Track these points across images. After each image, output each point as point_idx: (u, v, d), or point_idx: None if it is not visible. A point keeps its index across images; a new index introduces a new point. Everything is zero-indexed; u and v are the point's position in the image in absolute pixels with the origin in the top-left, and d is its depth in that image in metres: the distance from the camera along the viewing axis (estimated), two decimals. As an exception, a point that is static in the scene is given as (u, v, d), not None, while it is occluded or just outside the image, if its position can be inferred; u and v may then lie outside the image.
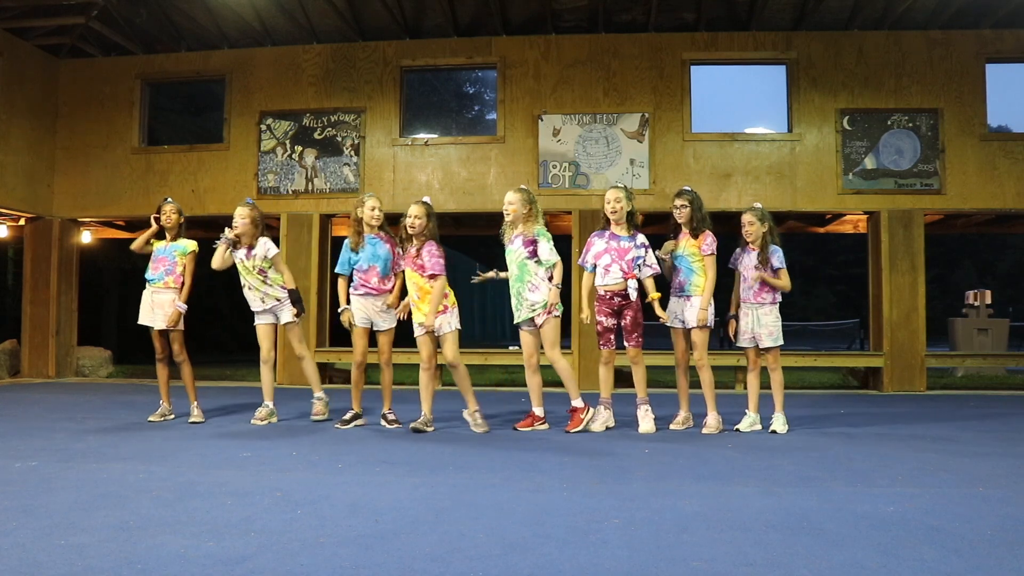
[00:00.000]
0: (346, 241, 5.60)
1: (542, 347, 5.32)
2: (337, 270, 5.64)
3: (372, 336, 5.63)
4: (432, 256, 5.16)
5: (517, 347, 10.63)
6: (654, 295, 5.34)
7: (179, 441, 4.85)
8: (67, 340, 10.49)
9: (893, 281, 9.16)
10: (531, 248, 5.22)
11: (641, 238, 5.38)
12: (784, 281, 5.36)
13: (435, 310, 5.16)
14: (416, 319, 5.28)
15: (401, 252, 5.44)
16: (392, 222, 9.94)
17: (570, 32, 9.67)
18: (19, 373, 10.31)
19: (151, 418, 5.80)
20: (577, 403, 5.32)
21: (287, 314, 5.65)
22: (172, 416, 5.90)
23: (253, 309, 5.68)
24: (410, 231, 5.22)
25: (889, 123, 9.27)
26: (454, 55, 9.88)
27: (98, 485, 3.44)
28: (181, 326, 5.74)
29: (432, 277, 5.15)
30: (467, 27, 9.70)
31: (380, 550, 2.46)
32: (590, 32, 9.64)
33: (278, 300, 5.61)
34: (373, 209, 5.52)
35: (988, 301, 13.56)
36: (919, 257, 9.17)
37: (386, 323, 5.56)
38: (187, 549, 2.46)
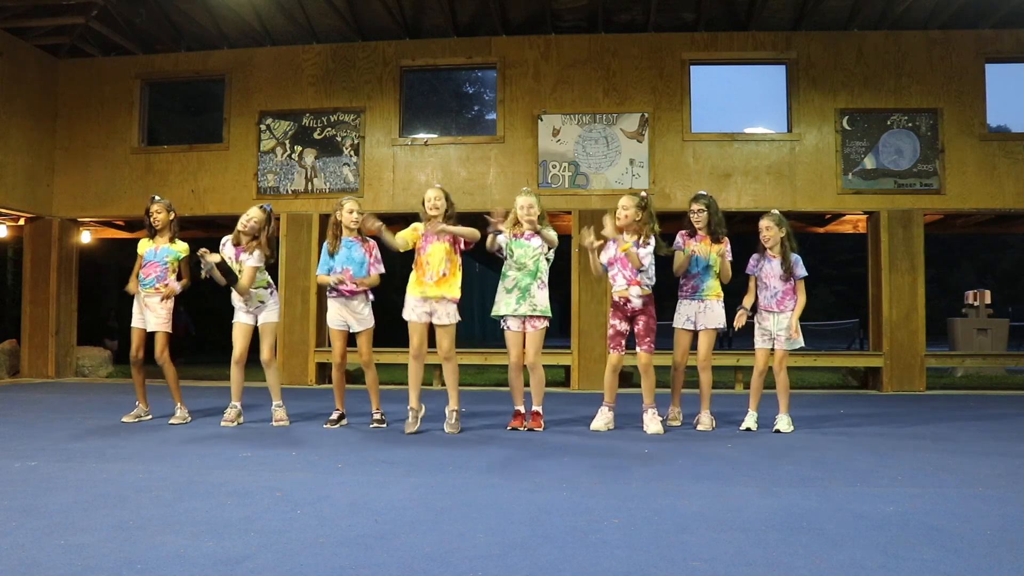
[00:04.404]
0: (324, 244, 5.62)
1: None
2: (317, 271, 5.68)
3: (351, 338, 5.62)
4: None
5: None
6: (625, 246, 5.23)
7: (179, 441, 4.85)
8: (67, 340, 10.48)
9: (893, 281, 9.16)
10: (542, 246, 5.35)
11: (651, 245, 5.28)
12: (801, 299, 5.39)
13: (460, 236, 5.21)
14: (423, 292, 5.19)
15: (377, 256, 5.57)
16: (391, 222, 9.94)
17: (570, 32, 9.67)
18: (19, 373, 10.31)
19: (125, 419, 5.76)
20: (539, 409, 5.40)
21: (269, 314, 5.60)
22: (148, 417, 5.87)
23: (236, 307, 5.63)
24: (432, 212, 5.24)
25: (889, 123, 9.27)
26: (454, 55, 9.87)
27: (98, 485, 3.44)
28: (168, 328, 5.72)
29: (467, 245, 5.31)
30: (467, 27, 9.69)
31: (380, 550, 2.46)
32: (590, 32, 9.64)
33: (261, 302, 5.60)
34: (352, 212, 5.52)
35: (987, 301, 13.57)
36: (919, 257, 9.18)
37: (362, 325, 5.55)
38: (187, 549, 2.46)
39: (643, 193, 5.45)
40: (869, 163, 9.27)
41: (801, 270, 5.38)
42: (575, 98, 9.57)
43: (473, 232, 5.24)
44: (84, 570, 2.25)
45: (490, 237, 5.34)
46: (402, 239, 5.32)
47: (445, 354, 5.23)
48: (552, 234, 5.33)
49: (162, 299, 5.68)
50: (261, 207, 5.65)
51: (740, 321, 5.44)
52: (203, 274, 5.43)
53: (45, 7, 9.25)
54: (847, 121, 9.31)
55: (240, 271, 5.49)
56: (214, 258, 5.36)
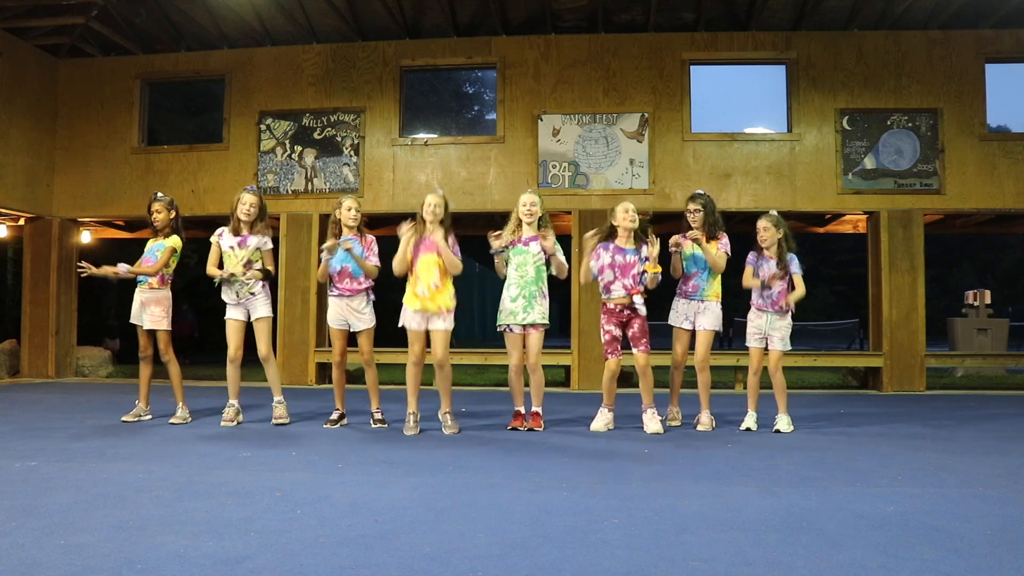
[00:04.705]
0: (324, 244, 5.62)
1: None
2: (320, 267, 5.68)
3: (352, 337, 5.62)
4: (457, 248, 5.27)
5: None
6: (654, 269, 5.24)
7: (179, 441, 4.85)
8: (67, 340, 10.48)
9: (893, 281, 9.16)
10: (547, 253, 5.33)
11: (644, 250, 5.31)
12: (800, 289, 5.39)
13: (452, 261, 5.15)
14: (417, 306, 5.16)
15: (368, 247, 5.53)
16: (391, 222, 9.86)
17: (570, 32, 9.67)
18: (19, 373, 10.31)
19: (125, 418, 5.73)
20: (539, 410, 5.42)
21: (260, 309, 5.57)
22: (148, 417, 5.84)
23: (226, 301, 5.59)
24: (430, 218, 5.19)
25: (889, 123, 9.28)
26: (454, 55, 9.87)
27: (98, 485, 3.44)
28: (167, 325, 5.71)
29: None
30: (467, 27, 9.70)
31: (380, 550, 2.46)
32: (590, 32, 9.64)
33: (253, 294, 5.54)
34: (349, 210, 5.51)
35: (987, 301, 13.57)
36: (919, 257, 9.18)
37: (363, 323, 5.55)
38: (187, 549, 2.46)
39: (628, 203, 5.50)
40: (869, 163, 9.27)
41: (795, 267, 5.38)
42: (575, 98, 9.57)
43: (455, 265, 5.16)
44: (84, 570, 2.25)
45: (497, 261, 5.35)
46: (401, 261, 5.24)
47: (439, 361, 5.20)
48: (563, 262, 5.32)
49: (86, 275, 5.57)
50: (250, 191, 5.63)
51: (772, 278, 5.37)
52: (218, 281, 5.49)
53: (45, 7, 9.25)
54: (847, 121, 9.31)
55: (258, 259, 5.52)
56: (238, 270, 5.41)
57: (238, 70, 10.09)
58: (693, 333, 5.57)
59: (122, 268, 5.57)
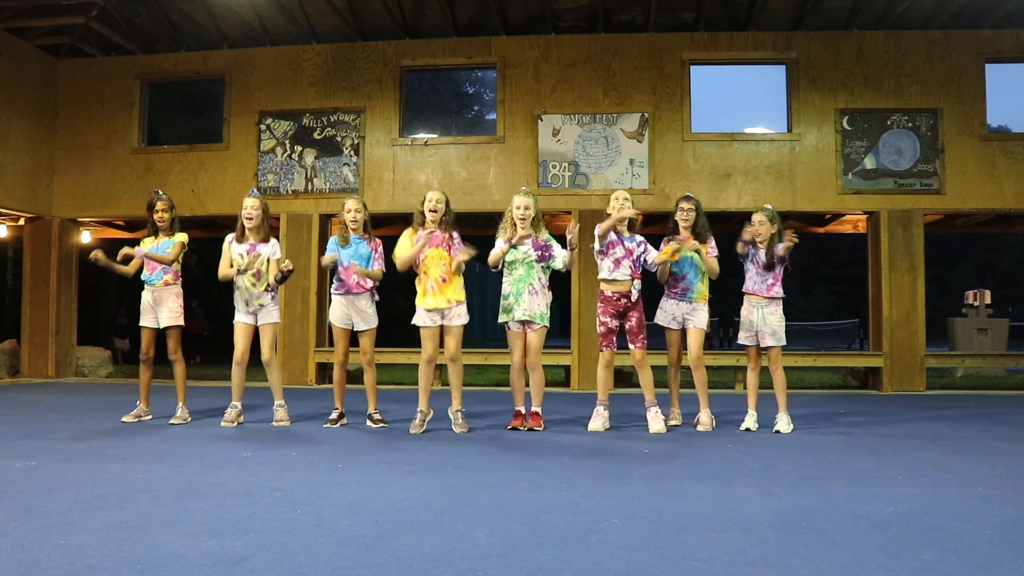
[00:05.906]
0: (334, 236, 5.64)
1: None
2: (326, 253, 5.65)
3: (354, 337, 5.62)
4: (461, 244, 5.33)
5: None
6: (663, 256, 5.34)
7: (179, 441, 4.85)
8: (67, 340, 10.48)
9: (892, 281, 9.16)
10: (540, 252, 5.31)
11: (639, 237, 5.47)
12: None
13: (465, 255, 5.22)
14: (430, 304, 5.22)
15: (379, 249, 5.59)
16: (391, 222, 9.88)
17: (570, 32, 9.67)
18: (19, 373, 10.31)
19: (125, 419, 5.74)
20: (539, 410, 5.42)
21: (269, 315, 5.60)
22: (149, 417, 5.85)
23: (236, 307, 5.63)
24: (431, 217, 5.25)
25: (889, 123, 9.27)
26: (454, 55, 9.87)
27: (98, 485, 3.44)
28: (181, 321, 5.73)
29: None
30: (467, 27, 9.69)
31: (380, 550, 2.47)
32: (590, 32, 9.64)
33: (261, 305, 5.59)
34: (349, 211, 5.53)
35: (987, 301, 13.57)
36: (918, 257, 9.18)
37: (366, 323, 5.56)
38: (187, 549, 2.46)
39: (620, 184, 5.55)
40: (869, 163, 9.27)
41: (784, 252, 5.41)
42: (575, 98, 9.57)
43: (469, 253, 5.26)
44: (84, 570, 2.25)
45: (492, 259, 5.35)
46: (402, 258, 5.28)
47: (451, 355, 5.26)
48: (567, 253, 5.32)
49: (102, 263, 5.55)
50: (251, 194, 5.63)
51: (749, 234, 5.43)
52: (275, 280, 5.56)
53: (45, 7, 9.25)
54: (847, 121, 9.31)
55: (266, 267, 5.53)
56: (287, 266, 5.45)
57: (238, 70, 10.09)
58: (683, 333, 5.60)
59: (139, 251, 5.59)
